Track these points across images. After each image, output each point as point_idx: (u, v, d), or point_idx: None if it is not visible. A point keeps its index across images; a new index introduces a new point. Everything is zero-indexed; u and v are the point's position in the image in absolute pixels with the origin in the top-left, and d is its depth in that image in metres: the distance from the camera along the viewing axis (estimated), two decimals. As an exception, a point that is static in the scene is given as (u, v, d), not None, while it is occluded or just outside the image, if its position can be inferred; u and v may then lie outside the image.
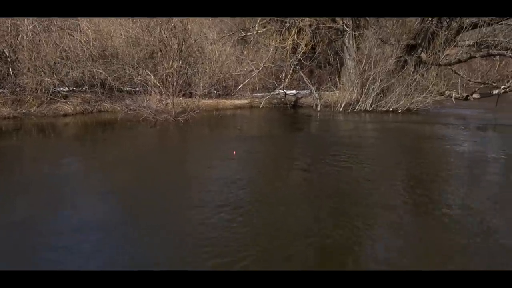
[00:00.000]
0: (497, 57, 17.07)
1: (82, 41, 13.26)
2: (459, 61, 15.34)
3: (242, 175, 6.51)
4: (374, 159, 7.84)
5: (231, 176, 6.29)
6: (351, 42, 15.88)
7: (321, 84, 15.89)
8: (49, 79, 12.41)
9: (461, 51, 15.47)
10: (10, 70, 12.62)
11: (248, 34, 16.04)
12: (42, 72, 12.40)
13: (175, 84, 12.85)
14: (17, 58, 12.57)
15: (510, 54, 13.96)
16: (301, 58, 15.39)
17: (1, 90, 12.37)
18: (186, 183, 6.26)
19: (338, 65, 16.29)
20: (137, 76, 13.43)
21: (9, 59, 12.67)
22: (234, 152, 7.91)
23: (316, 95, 15.03)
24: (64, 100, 12.81)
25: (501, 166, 7.62)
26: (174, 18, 13.36)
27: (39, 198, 5.36)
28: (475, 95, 15.00)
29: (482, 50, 14.82)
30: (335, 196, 5.59)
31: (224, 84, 15.24)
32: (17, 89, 12.38)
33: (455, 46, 15.50)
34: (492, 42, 14.34)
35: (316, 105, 14.98)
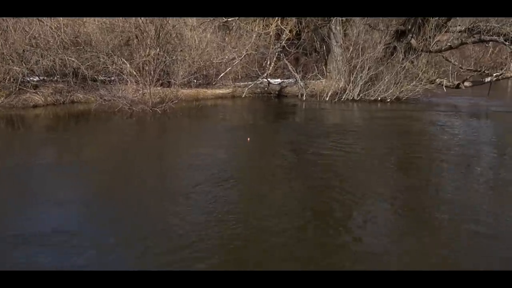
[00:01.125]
0: (490, 43, 17.44)
1: (53, 28, 13.21)
2: (450, 48, 15.59)
3: (226, 169, 6.64)
4: (362, 149, 8.07)
5: (215, 172, 6.38)
6: (338, 28, 16.05)
7: (307, 72, 16.04)
8: (17, 68, 12.38)
9: (452, 37, 15.75)
10: (-25, 58, 12.57)
11: (230, 19, 16.12)
12: (10, 61, 12.36)
13: (152, 73, 12.93)
14: (-18, 46, 12.52)
15: (503, 40, 14.21)
16: (286, 45, 15.50)
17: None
18: (163, 179, 6.35)
19: (325, 52, 16.43)
20: (112, 64, 13.45)
21: (-27, 47, 12.61)
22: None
23: (302, 84, 15.19)
24: (34, 90, 12.79)
25: (493, 156, 7.88)
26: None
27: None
28: (466, 83, 15.26)
29: (474, 36, 15.03)
30: (320, 189, 5.78)
31: (204, 73, 15.32)
32: (-17, 79, 12.35)
33: (446, 32, 15.72)
34: (484, 27, 14.54)
35: (302, 95, 15.15)
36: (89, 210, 4.90)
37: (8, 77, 12.29)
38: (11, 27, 12.66)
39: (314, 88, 15.34)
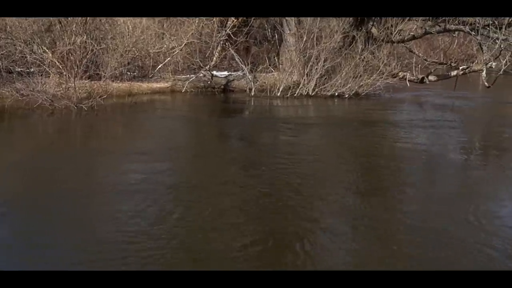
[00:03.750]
0: (459, 33, 18.31)
1: (-41, 10, 13.06)
2: (414, 38, 16.36)
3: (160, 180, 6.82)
4: (314, 153, 8.41)
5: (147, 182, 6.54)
6: (291, 14, 16.47)
7: (258, 64, 16.39)
8: None
9: (416, 26, 16.49)
10: None
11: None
12: None
13: (78, 63, 12.92)
14: None
15: (469, 30, 14.99)
16: (232, 33, 15.77)
17: None
18: (88, 193, 6.22)
19: (277, 41, 16.84)
20: (31, 53, 13.38)
21: None
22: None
23: (250, 77, 15.52)
24: None
25: (456, 157, 8.46)
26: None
27: None
28: (431, 77, 16.01)
29: (440, 24, 15.81)
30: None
31: (140, 64, 15.44)
32: None
33: (409, 20, 16.41)
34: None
35: (250, 89, 15.48)
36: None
37: None
38: None
39: (265, 82, 15.68)
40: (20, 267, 3.96)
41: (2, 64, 13.18)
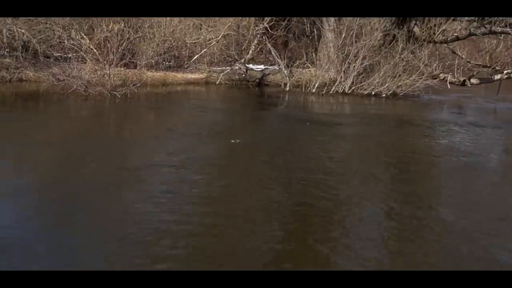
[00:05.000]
0: (503, 36, 17.89)
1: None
2: (457, 39, 16.04)
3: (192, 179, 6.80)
4: (349, 154, 8.24)
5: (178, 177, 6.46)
6: (331, 9, 16.35)
7: (295, 59, 16.37)
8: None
9: (460, 27, 16.19)
10: None
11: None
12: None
13: (114, 51, 13.14)
14: None
15: (514, 32, 14.66)
16: (268, 27, 15.78)
17: None
18: (116, 179, 6.19)
19: (316, 37, 16.78)
20: (69, 39, 13.68)
21: None
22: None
23: (286, 72, 15.51)
24: (-24, 65, 13.01)
25: (496, 164, 8.24)
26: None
27: None
28: (473, 80, 15.70)
29: (485, 26, 15.47)
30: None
31: (175, 54, 15.60)
32: None
33: (454, 20, 16.14)
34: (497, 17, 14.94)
35: (285, 84, 15.47)
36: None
37: None
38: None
39: (301, 78, 15.64)
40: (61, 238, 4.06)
41: (40, 48, 13.52)
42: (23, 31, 13.30)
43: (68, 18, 14.00)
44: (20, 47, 13.45)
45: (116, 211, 5.01)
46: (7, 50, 13.69)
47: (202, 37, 15.83)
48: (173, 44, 15.34)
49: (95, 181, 5.86)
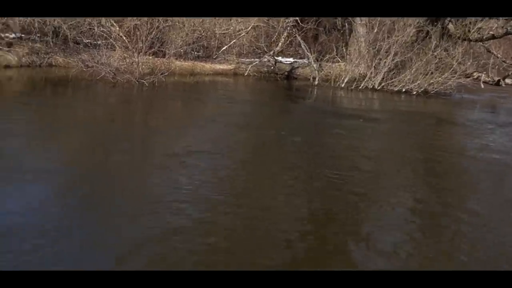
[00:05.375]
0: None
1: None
2: (493, 37, 15.71)
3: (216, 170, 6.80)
4: (377, 152, 8.07)
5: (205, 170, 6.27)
6: (364, 3, 16.15)
7: (325, 53, 16.21)
8: (-10, 21, 12.73)
9: (497, 25, 15.84)
10: None
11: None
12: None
13: (143, 39, 13.15)
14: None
15: (554, 33, 14.31)
16: (299, 19, 15.65)
17: None
18: (142, 171, 6.01)
19: (347, 31, 16.59)
20: (99, 26, 13.73)
21: None
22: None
23: (315, 65, 15.37)
24: (8, 49, 13.10)
25: None
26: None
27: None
28: (508, 80, 15.40)
29: (525, 25, 15.14)
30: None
31: (204, 44, 15.57)
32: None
33: (490, 18, 15.80)
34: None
35: (314, 78, 15.33)
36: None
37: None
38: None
39: (330, 72, 15.49)
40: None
41: (70, 34, 13.60)
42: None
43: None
44: (50, 33, 13.54)
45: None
46: (38, 35, 13.79)
47: (231, 28, 15.77)
48: (202, 34, 15.31)
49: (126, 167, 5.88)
